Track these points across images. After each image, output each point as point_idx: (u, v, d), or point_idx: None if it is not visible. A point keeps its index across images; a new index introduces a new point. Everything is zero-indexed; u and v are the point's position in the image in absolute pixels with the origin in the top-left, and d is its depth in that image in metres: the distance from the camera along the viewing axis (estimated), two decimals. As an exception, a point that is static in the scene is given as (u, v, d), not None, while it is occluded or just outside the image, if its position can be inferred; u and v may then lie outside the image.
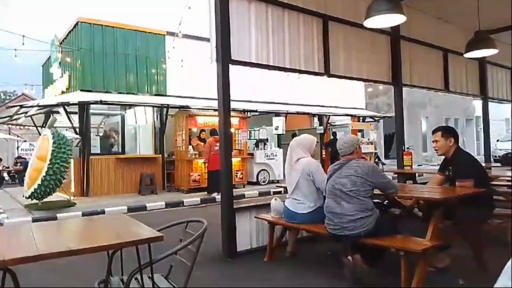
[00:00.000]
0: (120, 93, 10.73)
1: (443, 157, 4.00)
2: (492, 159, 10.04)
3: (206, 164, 9.84)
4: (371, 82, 7.10)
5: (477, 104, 19.82)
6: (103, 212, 7.69)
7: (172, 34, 11.17)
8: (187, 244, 2.19)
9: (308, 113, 14.34)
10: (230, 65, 4.46)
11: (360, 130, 15.58)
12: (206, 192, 9.74)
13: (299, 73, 5.63)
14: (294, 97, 13.56)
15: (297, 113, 13.39)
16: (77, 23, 10.66)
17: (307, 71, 5.49)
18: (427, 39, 7.14)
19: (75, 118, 10.27)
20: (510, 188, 6.03)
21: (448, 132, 3.80)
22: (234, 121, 11.32)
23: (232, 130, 11.36)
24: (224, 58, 4.39)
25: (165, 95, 11.36)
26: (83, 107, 9.99)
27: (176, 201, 8.91)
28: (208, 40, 4.61)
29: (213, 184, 9.12)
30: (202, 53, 9.01)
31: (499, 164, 8.22)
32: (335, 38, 5.74)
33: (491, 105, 9.24)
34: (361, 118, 15.80)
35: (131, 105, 10.94)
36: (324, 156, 13.92)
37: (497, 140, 17.36)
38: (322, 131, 14.72)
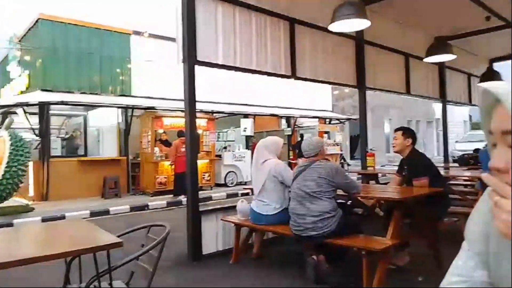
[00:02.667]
0: (83, 93, 10.38)
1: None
2: (450, 160, 10.49)
3: (173, 166, 9.69)
4: (336, 85, 7.24)
5: (437, 107, 20.69)
6: (63, 217, 7.40)
7: (138, 33, 10.97)
8: (148, 250, 2.14)
9: (276, 115, 14.45)
10: (196, 66, 4.42)
11: (326, 132, 15.86)
12: (172, 195, 9.60)
13: (266, 76, 5.65)
14: (263, 99, 13.62)
15: (265, 115, 13.46)
16: (37, 20, 10.23)
17: (274, 74, 5.52)
18: (390, 44, 7.37)
19: (35, 119, 9.84)
20: (466, 187, 6.33)
21: (408, 132, 3.97)
22: (202, 122, 11.23)
23: (200, 131, 11.30)
24: (190, 59, 4.34)
25: (130, 96, 11.11)
26: (44, 107, 9.58)
27: (141, 204, 8.72)
28: (174, 40, 4.55)
29: (180, 186, 8.99)
30: (168, 53, 8.88)
31: (457, 164, 8.58)
32: (301, 41, 5.81)
33: (450, 108, 9.66)
34: (327, 120, 16.10)
35: (94, 106, 10.61)
36: (291, 157, 14.07)
37: (456, 142, 18.17)
38: (290, 133, 14.88)
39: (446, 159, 9.47)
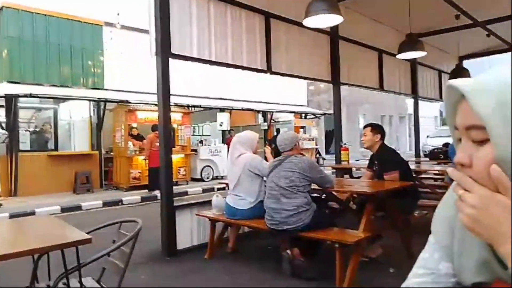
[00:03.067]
0: (53, 85, 10.03)
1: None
2: (422, 154, 10.79)
3: (147, 160, 9.54)
4: (312, 80, 7.30)
5: (409, 102, 21.20)
6: (33, 213, 7.17)
7: (110, 24, 10.68)
8: (119, 246, 2.10)
9: (252, 109, 14.44)
10: (170, 59, 4.35)
11: (302, 127, 16.00)
12: (147, 190, 9.46)
13: (242, 70, 5.63)
14: (239, 93, 13.58)
15: (242, 109, 13.43)
16: (1, 8, 9.78)
17: (250, 68, 5.51)
18: (364, 40, 7.48)
19: (1, 112, 9.46)
20: (436, 181, 6.53)
21: (377, 128, 4.04)
22: (177, 116, 11.09)
23: (175, 125, 11.16)
24: (164, 52, 4.27)
25: (103, 89, 10.82)
26: (11, 100, 9.21)
27: (115, 199, 8.55)
28: (148, 32, 4.45)
29: (154, 181, 8.85)
30: (142, 45, 8.70)
31: (427, 159, 8.84)
32: (277, 36, 5.81)
33: (422, 104, 9.91)
34: (303, 115, 16.23)
35: (65, 99, 10.28)
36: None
37: (427, 137, 18.68)
38: (266, 127, 14.92)
39: (417, 154, 9.73)
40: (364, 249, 3.51)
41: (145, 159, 9.82)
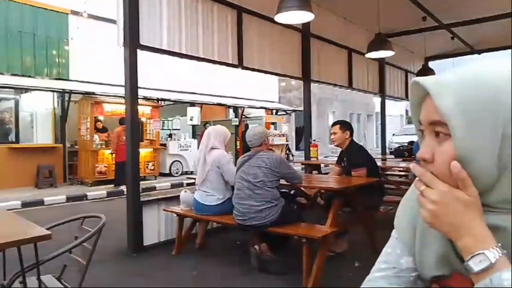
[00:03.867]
0: (14, 75, 9.56)
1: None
2: (388, 151, 11.10)
3: (114, 155, 9.30)
4: (283, 77, 7.33)
5: (377, 101, 21.76)
6: (-10, 208, 6.82)
7: (76, 13, 10.27)
8: (81, 242, 2.03)
9: (223, 104, 14.35)
10: (138, 50, 4.24)
11: (273, 123, 16.09)
12: (113, 185, 9.22)
13: (213, 64, 5.56)
14: (210, 88, 13.45)
15: (213, 104, 13.31)
16: (-43, -8, 9.22)
17: (221, 62, 5.46)
18: (334, 38, 7.57)
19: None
20: (401, 177, 6.73)
21: (345, 126, 4.12)
22: (146, 110, 10.87)
23: (144, 119, 10.92)
24: (132, 43, 4.15)
25: (68, 80, 10.41)
26: (-33, 89, 8.71)
27: (79, 194, 8.28)
28: (115, 22, 4.31)
29: (121, 176, 8.63)
30: (109, 36, 8.44)
31: (393, 156, 9.09)
32: (249, 31, 5.78)
33: (388, 103, 10.18)
34: (274, 111, 16.30)
35: (27, 89, 9.82)
36: (238, 147, 14.10)
37: (393, 134, 19.24)
38: (237, 123, 14.88)
39: (383, 151, 10.00)
40: (331, 244, 3.57)
41: (111, 153, 9.57)
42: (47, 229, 2.13)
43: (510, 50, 9.21)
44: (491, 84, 0.62)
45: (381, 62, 9.14)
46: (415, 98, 0.73)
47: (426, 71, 8.98)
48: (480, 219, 0.63)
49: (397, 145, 12.55)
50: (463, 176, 0.62)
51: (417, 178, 0.68)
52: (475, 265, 0.60)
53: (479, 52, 9.75)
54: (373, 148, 22.67)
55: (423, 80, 0.68)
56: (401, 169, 6.54)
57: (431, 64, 10.68)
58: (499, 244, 0.61)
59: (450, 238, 0.66)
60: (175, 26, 4.72)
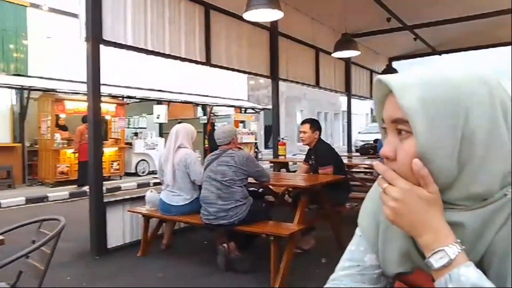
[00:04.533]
0: (-34, 70, 9.02)
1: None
2: (353, 149, 11.34)
3: (76, 154, 8.97)
4: (251, 75, 7.32)
5: (343, 100, 22.22)
6: None
7: (36, 6, 9.81)
8: (38, 246, 1.92)
9: (191, 102, 14.17)
10: (102, 45, 4.09)
11: (242, 121, 16.07)
12: (76, 185, 8.89)
13: (180, 61, 5.46)
14: (178, 86, 13.24)
15: (181, 102, 13.12)
16: None
17: (188, 59, 5.36)
18: (302, 38, 7.64)
19: None
20: (366, 175, 6.90)
21: (315, 125, 4.17)
22: (110, 107, 10.56)
23: (108, 117, 10.61)
24: (95, 38, 4.00)
25: (27, 76, 9.92)
26: None
27: (39, 196, 7.93)
28: (77, 16, 4.15)
29: (84, 176, 8.34)
30: (71, 30, 8.12)
31: (358, 154, 9.30)
32: (217, 28, 5.72)
33: (354, 102, 10.40)
34: (243, 109, 16.28)
35: (-19, 85, 9.28)
36: (207, 146, 13.97)
37: (359, 132, 19.70)
38: (206, 121, 14.73)
39: (349, 149, 10.22)
40: (298, 241, 3.60)
41: (74, 153, 9.23)
42: (1, 233, 2.01)
43: (469, 52, 9.68)
44: (453, 84, 0.64)
45: (347, 61, 9.31)
46: (378, 96, 0.73)
47: (390, 71, 9.24)
48: (440, 216, 0.64)
49: (362, 143, 12.85)
50: (424, 174, 0.63)
51: (380, 176, 0.69)
52: (435, 261, 0.61)
53: (440, 53, 10.14)
54: (339, 146, 23.15)
55: (386, 78, 0.68)
56: (366, 166, 6.70)
57: (395, 64, 11.00)
58: (459, 240, 0.62)
59: (411, 235, 0.66)
60: (140, 21, 4.59)
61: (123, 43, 4.40)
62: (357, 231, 0.84)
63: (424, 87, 0.63)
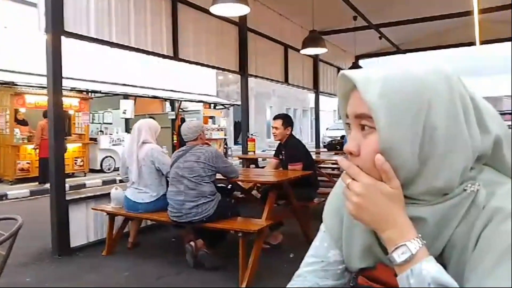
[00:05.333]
0: None
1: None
2: (322, 145, 11.52)
3: (37, 150, 8.59)
4: (219, 70, 7.24)
5: (312, 96, 22.49)
6: None
7: (-9, -6, 9.29)
8: (-9, 248, 1.82)
9: (159, 97, 13.89)
10: (63, 37, 3.91)
11: (211, 117, 15.94)
12: (37, 183, 8.53)
13: (146, 55, 5.32)
14: (146, 80, 12.94)
15: (147, 96, 12.84)
16: None
17: (155, 53, 5.24)
18: (271, 34, 7.64)
19: None
20: (333, 170, 7.02)
21: (287, 121, 4.20)
22: (73, 102, 10.20)
23: (71, 112, 10.24)
24: (55, 29, 3.82)
25: (-18, 68, 9.40)
26: None
27: (-3, 194, 7.55)
28: (36, 5, 3.95)
29: (46, 173, 8.00)
30: (31, 20, 7.74)
31: (326, 150, 9.46)
32: (185, 22, 5.61)
33: (322, 98, 10.54)
34: (212, 105, 16.15)
35: None
36: (175, 142, 13.77)
37: (326, 129, 20.03)
38: (174, 117, 14.50)
39: (317, 145, 10.36)
40: (267, 237, 3.62)
41: (35, 149, 8.84)
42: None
43: (431, 51, 10.02)
44: (415, 77, 0.64)
45: (315, 59, 9.41)
46: (342, 91, 0.72)
47: (356, 68, 9.40)
48: (402, 211, 0.64)
49: (330, 139, 13.08)
50: (386, 168, 0.63)
51: (344, 172, 0.68)
52: (397, 256, 0.62)
53: (404, 52, 10.44)
54: (308, 142, 23.45)
55: (350, 72, 0.67)
56: (333, 162, 6.81)
57: (361, 62, 11.23)
58: (420, 235, 0.63)
59: (374, 230, 0.67)
60: (104, 12, 4.43)
61: (86, 35, 4.23)
62: (321, 227, 0.84)
63: (387, 82, 0.64)
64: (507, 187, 0.64)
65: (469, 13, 6.94)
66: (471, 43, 8.93)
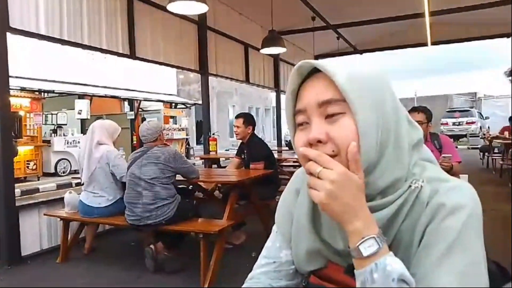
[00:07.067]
0: None
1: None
2: (283, 143, 11.64)
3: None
4: (179, 69, 7.12)
5: (273, 95, 22.67)
6: None
7: None
8: None
9: (116, 97, 13.48)
10: (9, 34, 3.69)
11: (172, 117, 15.68)
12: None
13: (100, 53, 5.13)
14: (102, 79, 12.51)
15: (105, 96, 12.42)
16: None
17: (110, 51, 5.06)
18: (231, 33, 7.61)
19: None
20: (295, 168, 7.11)
21: (249, 120, 4.20)
22: (24, 102, 9.67)
23: (22, 113, 9.71)
24: (0, 25, 3.59)
25: None
26: None
27: None
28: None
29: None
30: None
31: (287, 148, 9.56)
32: (141, 20, 5.46)
33: (283, 97, 10.65)
34: (173, 104, 15.88)
35: None
36: (135, 143, 13.41)
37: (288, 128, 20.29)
38: (133, 117, 14.13)
39: (279, 143, 10.46)
40: (228, 237, 3.60)
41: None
42: None
43: (386, 51, 10.39)
44: (374, 71, 0.68)
45: (276, 58, 9.49)
46: (292, 87, 0.72)
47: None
48: (365, 204, 0.63)
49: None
50: (358, 158, 0.62)
51: (299, 170, 0.68)
52: (364, 249, 0.60)
53: (361, 52, 10.77)
54: (270, 140, 23.63)
55: (314, 60, 0.68)
56: (295, 160, 6.90)
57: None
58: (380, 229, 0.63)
59: (340, 221, 0.63)
60: (54, 8, 4.21)
61: (35, 32, 4.01)
62: (274, 227, 0.84)
63: (352, 68, 0.66)
64: (449, 184, 0.66)
65: (420, 15, 7.27)
66: (423, 44, 9.37)
